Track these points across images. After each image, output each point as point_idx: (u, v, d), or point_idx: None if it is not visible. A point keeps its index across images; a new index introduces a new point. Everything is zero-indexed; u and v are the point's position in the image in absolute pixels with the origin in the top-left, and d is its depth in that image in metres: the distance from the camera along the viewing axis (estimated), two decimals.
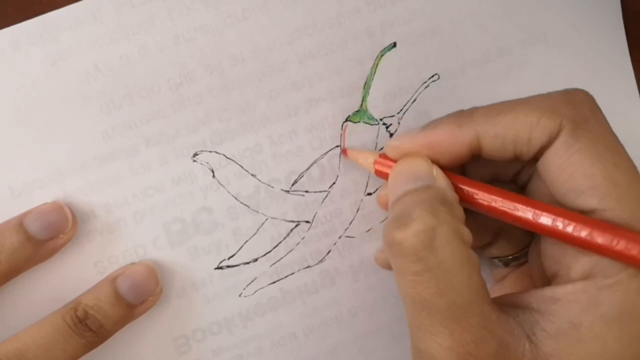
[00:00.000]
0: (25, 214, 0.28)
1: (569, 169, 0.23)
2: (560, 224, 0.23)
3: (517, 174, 0.28)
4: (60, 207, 0.28)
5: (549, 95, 0.25)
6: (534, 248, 0.29)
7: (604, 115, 0.24)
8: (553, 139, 0.24)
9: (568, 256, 0.24)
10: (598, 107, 0.25)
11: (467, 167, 0.28)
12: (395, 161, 0.27)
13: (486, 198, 0.25)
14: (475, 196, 0.25)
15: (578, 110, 0.24)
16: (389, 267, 0.31)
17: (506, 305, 0.24)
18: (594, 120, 0.24)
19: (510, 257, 0.30)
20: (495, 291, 0.31)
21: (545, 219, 0.24)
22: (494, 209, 0.25)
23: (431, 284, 0.23)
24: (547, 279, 0.26)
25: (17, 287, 0.29)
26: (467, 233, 0.24)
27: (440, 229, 0.23)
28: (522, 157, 0.25)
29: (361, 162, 0.30)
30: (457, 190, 0.26)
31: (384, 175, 0.28)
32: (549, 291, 0.24)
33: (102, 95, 0.28)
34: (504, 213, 0.25)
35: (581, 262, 0.23)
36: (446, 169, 0.26)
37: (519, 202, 0.24)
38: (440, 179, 0.25)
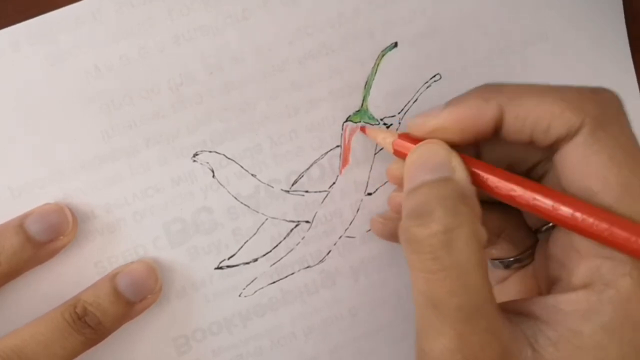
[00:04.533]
0: (25, 215, 0.28)
1: (585, 169, 0.23)
2: (579, 214, 0.23)
3: (533, 167, 0.28)
4: (60, 208, 0.28)
5: (578, 89, 0.24)
6: (541, 249, 0.29)
7: (627, 119, 0.24)
8: (572, 134, 0.24)
9: (571, 261, 0.24)
10: (624, 110, 0.24)
11: (484, 154, 0.28)
12: (414, 142, 0.27)
13: (505, 185, 0.25)
14: (493, 183, 0.25)
15: (603, 110, 0.23)
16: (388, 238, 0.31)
17: (509, 312, 0.24)
18: (616, 123, 0.24)
19: (511, 259, 0.30)
20: (497, 293, 0.30)
21: (565, 209, 0.23)
22: (512, 197, 0.24)
23: (445, 283, 0.23)
24: (551, 283, 0.25)
25: (17, 288, 0.29)
26: (483, 233, 0.24)
27: (460, 230, 0.23)
28: (537, 144, 0.25)
29: (379, 142, 0.29)
30: (474, 175, 0.25)
31: (403, 156, 0.27)
32: (551, 300, 0.24)
33: (102, 95, 0.28)
34: (522, 200, 0.24)
35: (582, 269, 0.23)
36: (468, 145, 0.26)
37: (539, 191, 0.24)
38: (459, 170, 0.25)
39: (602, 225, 0.22)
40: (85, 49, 0.28)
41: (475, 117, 0.25)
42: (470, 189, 0.24)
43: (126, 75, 0.28)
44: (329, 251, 0.32)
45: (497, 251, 0.30)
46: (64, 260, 0.29)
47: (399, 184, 0.29)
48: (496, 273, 0.31)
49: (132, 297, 0.29)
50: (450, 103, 0.26)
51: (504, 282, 0.30)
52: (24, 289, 0.29)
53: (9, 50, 0.27)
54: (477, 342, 0.22)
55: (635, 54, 0.33)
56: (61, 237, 0.28)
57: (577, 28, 0.32)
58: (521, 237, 0.29)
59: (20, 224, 0.27)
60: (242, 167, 0.30)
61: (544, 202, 0.24)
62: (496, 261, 0.30)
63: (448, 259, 0.23)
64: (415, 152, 0.26)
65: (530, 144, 0.25)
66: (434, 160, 0.25)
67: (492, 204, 0.27)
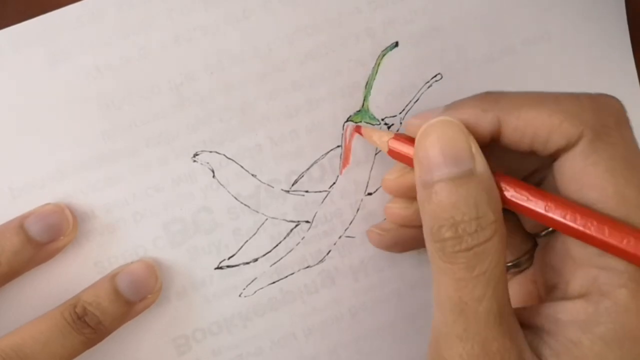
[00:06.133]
0: (25, 216, 0.28)
1: (581, 179, 0.23)
2: (570, 217, 0.23)
3: (532, 173, 0.28)
4: (61, 209, 0.28)
5: (577, 97, 0.24)
6: (539, 255, 0.29)
7: (629, 127, 0.24)
8: (571, 145, 0.23)
9: (568, 269, 0.24)
10: (625, 117, 0.24)
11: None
12: (411, 142, 0.26)
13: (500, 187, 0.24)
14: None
15: (602, 119, 0.23)
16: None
17: None
18: (616, 132, 0.23)
19: (509, 264, 0.30)
20: None
21: (557, 212, 0.23)
22: (505, 199, 0.24)
23: (475, 289, 0.23)
24: (549, 289, 0.25)
25: (17, 288, 0.29)
26: (506, 237, 0.24)
27: (493, 240, 0.23)
28: (537, 153, 0.25)
29: (375, 141, 0.29)
30: None
31: (398, 156, 0.27)
32: (550, 308, 0.24)
33: (102, 95, 0.28)
34: (515, 203, 0.24)
35: (578, 278, 0.23)
36: None
37: (531, 193, 0.24)
38: (479, 160, 0.23)
39: (599, 228, 0.22)
40: (85, 49, 0.28)
41: (472, 127, 0.24)
42: (492, 182, 0.24)
43: (126, 75, 0.28)
44: (329, 251, 0.32)
45: None
46: (64, 260, 0.29)
47: (395, 194, 0.29)
48: None
49: (132, 297, 0.29)
50: (448, 108, 0.25)
51: None
52: (24, 289, 0.29)
53: (9, 50, 0.27)
54: (496, 349, 0.22)
55: (637, 54, 0.33)
56: (61, 238, 0.28)
57: (578, 28, 0.32)
58: (518, 242, 0.29)
59: (20, 225, 0.27)
60: (242, 167, 0.30)
61: (536, 205, 0.24)
62: None
63: (480, 267, 0.23)
64: (430, 135, 0.24)
65: (530, 153, 0.25)
66: (452, 149, 0.23)
67: None
